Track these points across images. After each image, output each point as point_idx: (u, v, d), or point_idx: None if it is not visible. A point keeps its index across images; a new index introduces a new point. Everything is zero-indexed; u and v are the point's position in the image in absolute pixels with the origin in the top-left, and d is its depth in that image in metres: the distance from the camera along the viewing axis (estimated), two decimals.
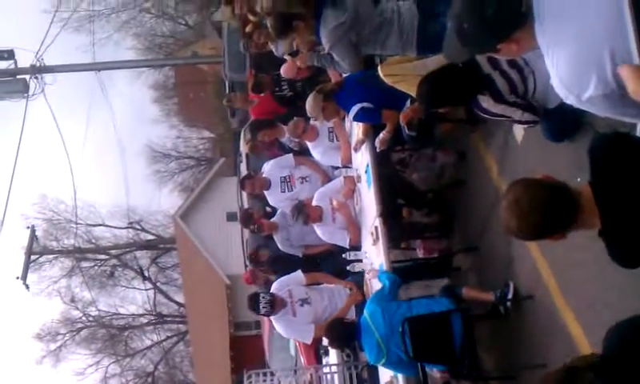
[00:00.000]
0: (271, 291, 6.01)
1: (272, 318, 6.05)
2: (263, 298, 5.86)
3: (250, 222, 6.98)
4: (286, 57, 5.84)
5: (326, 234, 6.25)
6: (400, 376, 5.08)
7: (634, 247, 2.11)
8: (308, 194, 6.56)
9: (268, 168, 6.95)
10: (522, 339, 4.98)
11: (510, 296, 4.96)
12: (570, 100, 2.44)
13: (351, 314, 5.91)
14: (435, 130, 5.37)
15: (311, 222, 6.15)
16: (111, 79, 28.79)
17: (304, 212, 6.08)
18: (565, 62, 2.40)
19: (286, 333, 6.14)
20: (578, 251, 4.14)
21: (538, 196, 2.07)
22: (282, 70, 6.08)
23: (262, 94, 7.44)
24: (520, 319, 4.98)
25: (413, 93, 4.44)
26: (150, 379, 30.41)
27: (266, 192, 6.93)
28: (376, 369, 5.90)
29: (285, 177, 6.80)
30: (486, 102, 3.65)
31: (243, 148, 10.50)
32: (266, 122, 7.22)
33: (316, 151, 6.51)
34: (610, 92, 2.32)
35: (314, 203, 6.23)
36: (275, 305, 5.80)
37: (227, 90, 13.11)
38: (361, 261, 6.08)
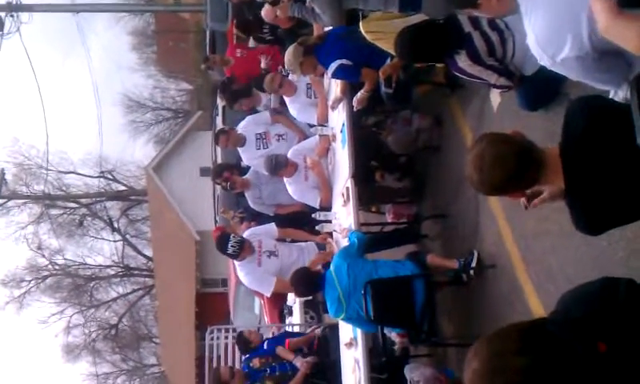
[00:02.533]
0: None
1: (237, 263, 6.03)
2: (233, 238, 5.85)
3: (220, 176, 6.88)
4: (267, 6, 5.73)
5: (298, 192, 6.21)
6: (359, 337, 5.11)
7: (597, 212, 2.10)
8: (284, 153, 6.45)
9: (244, 124, 6.84)
10: (482, 307, 5.03)
11: (473, 264, 4.99)
12: (545, 61, 2.43)
13: None
14: (413, 92, 5.32)
15: (286, 175, 6.10)
16: (89, 22, 28.14)
17: (282, 160, 6.01)
18: (542, 22, 2.38)
19: (248, 281, 6.11)
20: (543, 223, 4.17)
21: (500, 152, 2.06)
22: (263, 13, 5.98)
23: (240, 45, 7.34)
24: (481, 288, 5.02)
25: (393, 51, 4.37)
26: (113, 331, 30.37)
27: (240, 149, 6.83)
28: (337, 329, 5.93)
29: (260, 133, 6.69)
30: (462, 61, 3.61)
31: (220, 101, 10.36)
32: (243, 91, 7.10)
33: (293, 106, 6.43)
34: (584, 54, 2.32)
35: (290, 156, 6.18)
36: (243, 248, 5.79)
37: (208, 40, 12.90)
38: (330, 221, 6.06)
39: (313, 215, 6.19)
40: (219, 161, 11.99)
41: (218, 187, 10.14)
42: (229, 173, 6.83)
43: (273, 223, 6.33)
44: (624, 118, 1.99)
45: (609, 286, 1.79)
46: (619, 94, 2.67)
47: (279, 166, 6.03)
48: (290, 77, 6.33)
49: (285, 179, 6.16)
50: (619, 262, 3.48)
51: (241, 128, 6.81)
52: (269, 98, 6.93)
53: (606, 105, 2.28)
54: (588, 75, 2.53)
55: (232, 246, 5.78)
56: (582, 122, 2.12)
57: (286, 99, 6.46)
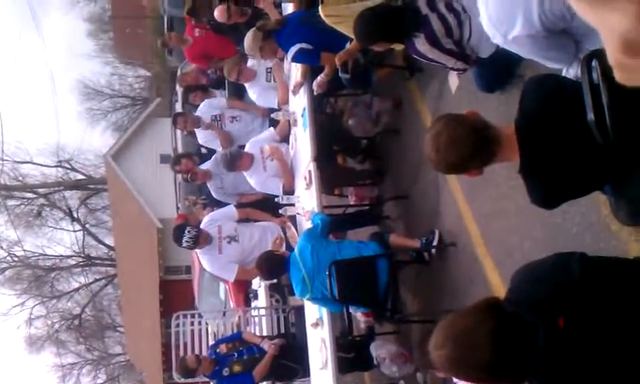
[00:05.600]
0: (200, 226, 6.00)
1: (198, 251, 6.05)
2: (188, 232, 5.85)
3: (179, 163, 6.94)
4: (219, 6, 5.81)
5: (259, 183, 6.25)
6: (325, 317, 5.17)
7: (551, 187, 2.18)
8: (238, 133, 6.68)
9: (201, 107, 7.02)
10: (444, 285, 5.14)
11: (434, 243, 5.09)
12: (497, 39, 2.52)
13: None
14: (372, 76, 5.37)
15: (243, 168, 6.13)
16: (44, 8, 27.39)
17: (236, 153, 6.11)
18: (494, 1, 2.46)
19: (210, 268, 6.19)
20: (500, 201, 4.28)
21: (455, 133, 2.11)
22: (215, 14, 6.06)
23: (198, 24, 7.46)
24: (443, 266, 5.13)
25: (352, 34, 4.40)
26: (76, 322, 29.93)
27: (197, 130, 6.99)
28: (302, 312, 5.99)
29: (216, 115, 6.88)
30: (421, 45, 3.67)
31: (179, 86, 10.29)
32: (199, 86, 7.55)
33: (252, 90, 6.44)
34: (534, 33, 2.41)
35: (247, 148, 6.23)
36: (199, 240, 5.81)
37: (165, 26, 12.74)
38: (293, 205, 6.10)
39: (276, 199, 6.23)
40: (179, 147, 11.91)
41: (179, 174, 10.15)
42: (187, 161, 6.88)
43: (231, 205, 6.37)
44: (576, 95, 2.07)
45: (562, 262, 1.85)
46: (570, 72, 2.77)
47: (234, 159, 6.07)
48: (249, 61, 6.33)
49: (245, 173, 6.19)
50: (574, 237, 3.60)
51: (198, 111, 7.00)
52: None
53: (559, 82, 2.36)
54: (539, 53, 2.62)
55: (187, 241, 5.79)
56: (535, 99, 2.18)
57: (246, 85, 6.46)
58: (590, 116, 1.96)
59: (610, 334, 1.69)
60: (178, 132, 9.81)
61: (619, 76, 0.96)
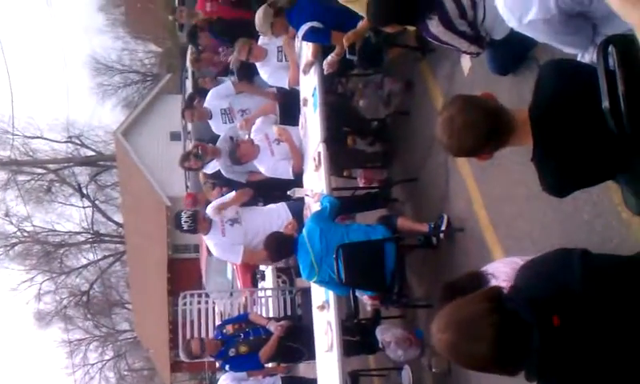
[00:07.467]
0: (206, 211, 5.99)
1: (204, 237, 6.04)
2: (185, 213, 5.85)
3: (188, 160, 6.84)
4: None
5: (269, 170, 6.21)
6: (332, 300, 5.16)
7: (563, 174, 2.13)
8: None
9: (208, 98, 6.94)
10: (451, 270, 5.10)
11: (443, 228, 5.05)
12: (512, 23, 2.48)
13: None
14: (384, 55, 5.31)
15: (246, 160, 6.11)
16: None
17: (235, 157, 6.11)
18: None
19: (216, 252, 6.16)
20: (511, 186, 4.23)
21: (469, 118, 2.07)
22: None
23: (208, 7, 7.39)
24: (451, 251, 5.09)
25: (365, 14, 4.34)
26: (84, 298, 30.19)
27: (209, 121, 6.95)
28: (309, 294, 5.99)
29: (225, 109, 6.79)
30: (435, 27, 3.61)
31: (189, 64, 10.24)
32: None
33: (263, 70, 6.37)
34: (550, 17, 2.36)
35: (253, 137, 6.22)
36: (198, 221, 5.78)
37: (177, 0, 12.68)
38: (302, 186, 6.07)
39: (288, 192, 6.20)
40: (189, 126, 11.88)
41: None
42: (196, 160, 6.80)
43: (233, 192, 6.29)
44: (591, 82, 2.01)
45: (563, 260, 1.82)
46: (586, 57, 2.71)
47: (233, 151, 6.08)
48: (260, 40, 6.27)
49: (254, 162, 6.16)
50: (585, 224, 3.55)
51: (206, 102, 6.91)
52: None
53: (575, 68, 2.30)
54: (555, 37, 2.57)
55: (185, 222, 5.77)
56: (550, 85, 2.13)
57: (257, 64, 6.40)
58: (605, 104, 1.92)
59: (608, 335, 1.66)
60: None
61: None
